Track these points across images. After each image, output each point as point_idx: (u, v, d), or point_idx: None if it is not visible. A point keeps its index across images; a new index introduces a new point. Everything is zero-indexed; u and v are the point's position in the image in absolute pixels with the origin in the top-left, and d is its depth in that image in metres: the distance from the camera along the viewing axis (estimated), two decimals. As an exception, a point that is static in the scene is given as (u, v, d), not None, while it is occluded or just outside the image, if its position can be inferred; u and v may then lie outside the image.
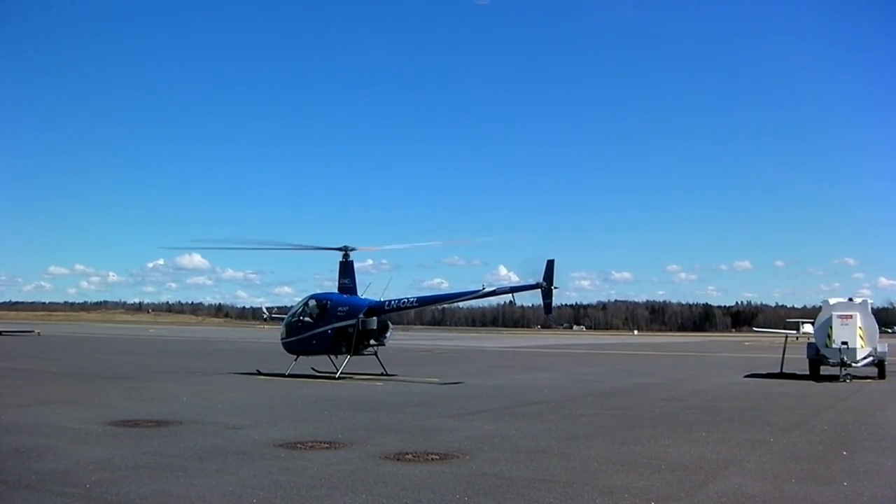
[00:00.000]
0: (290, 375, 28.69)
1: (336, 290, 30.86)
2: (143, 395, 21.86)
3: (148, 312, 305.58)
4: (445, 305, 33.89)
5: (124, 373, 30.71)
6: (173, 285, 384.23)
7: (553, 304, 26.94)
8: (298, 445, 13.35)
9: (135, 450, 12.68)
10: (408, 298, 29.48)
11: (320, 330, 29.51)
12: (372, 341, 29.64)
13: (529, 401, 22.18)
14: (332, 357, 29.89)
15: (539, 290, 26.74)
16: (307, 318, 30.22)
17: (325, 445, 13.41)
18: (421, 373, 32.92)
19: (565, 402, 22.03)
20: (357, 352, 29.28)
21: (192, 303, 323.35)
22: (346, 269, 30.83)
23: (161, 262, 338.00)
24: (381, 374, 29.78)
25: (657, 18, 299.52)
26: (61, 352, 48.81)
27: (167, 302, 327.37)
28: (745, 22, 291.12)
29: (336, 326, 29.20)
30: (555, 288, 26.59)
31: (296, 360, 29.76)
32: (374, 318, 29.11)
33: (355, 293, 30.38)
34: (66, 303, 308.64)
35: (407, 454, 12.60)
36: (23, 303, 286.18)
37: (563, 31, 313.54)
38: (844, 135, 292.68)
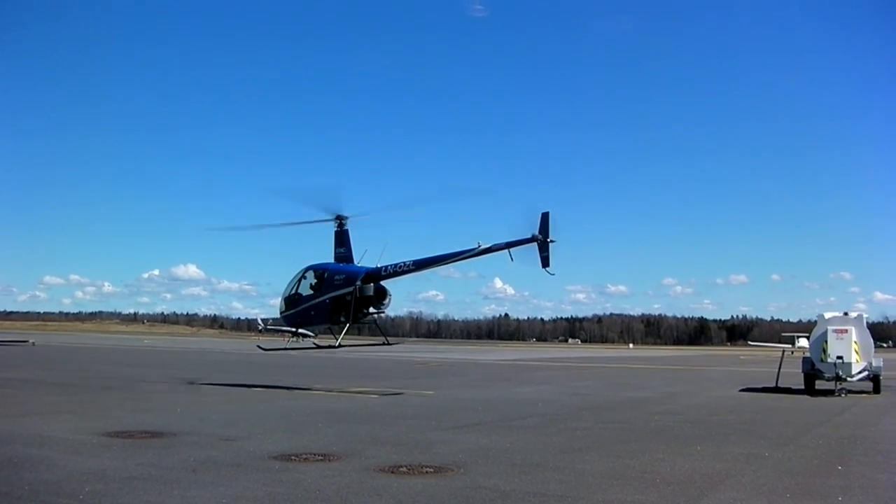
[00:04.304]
0: (289, 349, 28.85)
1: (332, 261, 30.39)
2: (138, 406, 21.78)
3: (143, 323, 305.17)
4: (443, 265, 33.05)
5: (118, 383, 30.62)
6: (168, 296, 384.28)
7: (549, 256, 25.67)
8: (293, 458, 13.32)
9: (129, 461, 12.65)
10: (405, 262, 28.36)
11: (318, 300, 29.13)
12: (371, 309, 29.00)
13: (524, 414, 22.17)
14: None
15: (535, 243, 25.80)
16: (304, 290, 29.85)
17: (320, 458, 13.38)
18: (416, 385, 32.86)
19: (560, 415, 22.01)
20: (356, 320, 28.82)
21: (188, 314, 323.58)
22: (342, 238, 30.31)
23: (156, 272, 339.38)
24: (383, 344, 29.75)
25: (655, 33, 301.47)
26: (56, 362, 48.61)
27: (162, 312, 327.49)
28: (744, 37, 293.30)
29: (333, 295, 28.72)
30: (551, 241, 25.65)
31: (295, 332, 29.63)
32: (372, 284, 28.46)
33: (352, 262, 29.90)
34: (60, 313, 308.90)
35: (401, 467, 12.58)
36: (17, 312, 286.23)
37: (560, 44, 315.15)
38: (841, 149, 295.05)
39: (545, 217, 25.83)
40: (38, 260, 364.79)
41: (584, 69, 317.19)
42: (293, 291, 30.30)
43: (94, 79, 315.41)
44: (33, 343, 79.31)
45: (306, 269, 30.37)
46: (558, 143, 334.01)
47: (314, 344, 30.19)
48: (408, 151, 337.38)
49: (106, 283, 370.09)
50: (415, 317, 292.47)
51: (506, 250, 26.53)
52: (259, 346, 31.11)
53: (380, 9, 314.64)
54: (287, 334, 30.73)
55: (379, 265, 28.76)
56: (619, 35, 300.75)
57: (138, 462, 12.56)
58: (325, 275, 29.44)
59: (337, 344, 28.53)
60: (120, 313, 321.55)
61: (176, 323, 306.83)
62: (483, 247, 26.95)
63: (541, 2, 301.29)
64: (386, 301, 29.14)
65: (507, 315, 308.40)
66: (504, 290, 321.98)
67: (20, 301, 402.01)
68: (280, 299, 31.07)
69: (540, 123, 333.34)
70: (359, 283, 28.33)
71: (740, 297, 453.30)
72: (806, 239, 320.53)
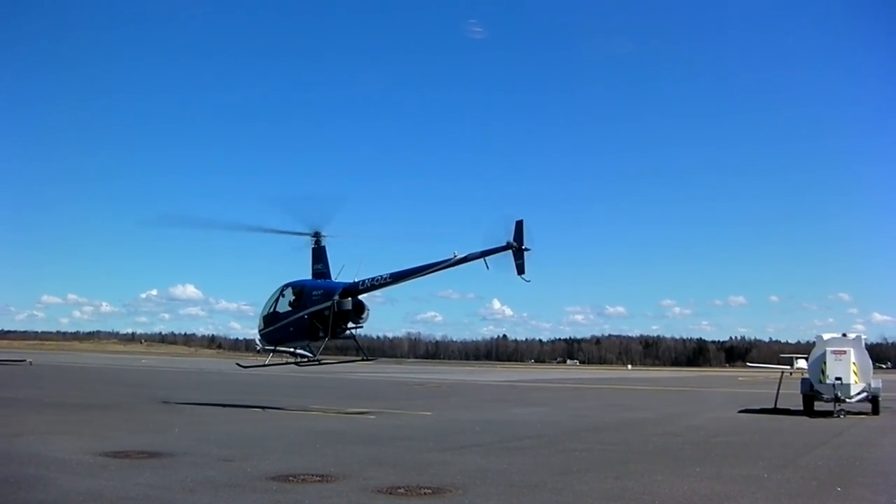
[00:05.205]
0: (269, 365, 29.07)
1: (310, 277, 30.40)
2: (135, 426, 21.71)
3: (140, 343, 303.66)
4: (420, 277, 32.47)
5: (116, 403, 30.53)
6: (166, 316, 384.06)
7: (525, 264, 25.70)
8: (290, 478, 13.27)
9: (126, 481, 12.60)
10: (382, 275, 28.30)
11: (297, 316, 29.06)
12: (350, 324, 28.93)
13: (523, 435, 22.10)
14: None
15: (510, 251, 25.80)
16: (283, 307, 29.81)
17: (318, 479, 13.33)
18: (414, 406, 32.79)
19: (559, 436, 21.96)
20: (335, 335, 28.76)
21: (185, 334, 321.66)
22: (319, 255, 30.35)
23: (154, 292, 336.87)
24: (362, 360, 30.24)
25: (654, 54, 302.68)
26: (53, 381, 48.47)
27: (160, 332, 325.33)
28: (740, 58, 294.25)
29: (312, 311, 28.66)
30: (526, 249, 25.65)
31: (274, 349, 29.69)
32: (349, 298, 28.33)
33: (329, 278, 29.86)
34: (58, 332, 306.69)
35: (399, 488, 12.54)
36: (15, 332, 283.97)
37: (559, 65, 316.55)
38: (839, 171, 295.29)
39: (519, 225, 25.90)
40: (36, 279, 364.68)
41: (582, 90, 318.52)
42: (272, 309, 30.28)
43: (95, 99, 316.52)
44: (30, 362, 79.08)
45: (284, 286, 30.34)
46: (556, 164, 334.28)
47: (294, 362, 30.23)
48: (406, 170, 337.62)
49: (104, 303, 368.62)
50: (413, 338, 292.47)
51: (481, 259, 26.52)
52: (238, 364, 31.28)
53: (379, 29, 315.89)
54: (286, 354, 30.70)
55: (356, 279, 28.72)
56: (619, 56, 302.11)
57: (135, 482, 12.52)
58: (303, 291, 29.42)
59: (315, 357, 28.54)
60: (118, 333, 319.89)
61: (174, 343, 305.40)
62: (459, 256, 26.93)
63: (539, 23, 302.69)
64: (364, 315, 28.98)
65: (505, 336, 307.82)
66: (502, 311, 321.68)
67: (18, 320, 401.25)
68: (259, 317, 31.05)
69: (538, 144, 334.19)
70: (336, 297, 28.25)
71: (739, 319, 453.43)
72: (804, 260, 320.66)
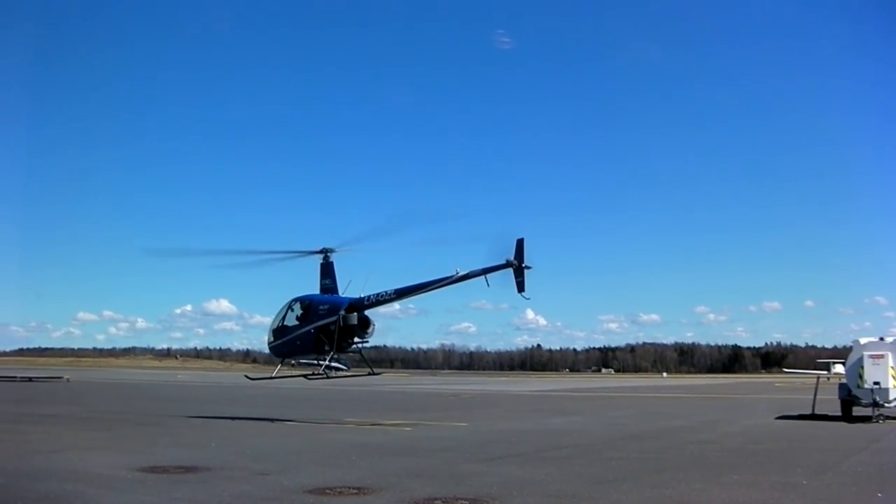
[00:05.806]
0: (277, 377, 29.95)
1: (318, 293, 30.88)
2: (172, 441, 21.90)
3: (176, 358, 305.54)
4: (423, 293, 32.86)
5: (153, 418, 30.79)
6: (201, 331, 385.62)
7: (525, 281, 26.13)
8: (327, 491, 13.31)
9: (164, 496, 12.71)
10: (386, 291, 28.89)
11: (303, 330, 29.56)
12: (356, 339, 29.41)
13: (559, 445, 22.03)
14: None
15: (510, 268, 26.15)
16: (291, 321, 30.32)
17: (354, 491, 13.37)
18: (449, 417, 32.78)
19: (595, 445, 21.86)
20: (341, 349, 29.19)
21: (220, 348, 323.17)
22: (328, 271, 30.78)
23: (189, 308, 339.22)
24: (369, 374, 30.58)
25: (681, 61, 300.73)
26: (90, 398, 48.97)
27: (195, 348, 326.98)
28: (771, 61, 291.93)
29: (318, 325, 29.14)
30: (526, 267, 25.96)
31: (282, 363, 30.13)
32: (355, 313, 28.80)
33: (337, 293, 30.29)
34: (94, 349, 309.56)
35: (436, 499, 12.54)
36: (52, 349, 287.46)
37: (587, 74, 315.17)
38: (872, 174, 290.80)
39: (520, 243, 26.31)
40: (72, 296, 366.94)
41: (611, 98, 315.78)
42: (280, 323, 30.77)
43: (128, 114, 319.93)
44: (68, 379, 79.90)
45: (292, 301, 30.82)
46: (588, 172, 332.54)
47: (303, 374, 30.65)
48: (430, 184, 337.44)
49: (139, 319, 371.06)
50: (447, 349, 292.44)
51: (482, 276, 26.88)
52: (246, 376, 31.82)
53: (403, 41, 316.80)
54: (315, 367, 31.15)
55: (362, 295, 29.14)
56: (646, 64, 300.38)
57: (174, 497, 12.63)
58: (311, 305, 29.91)
59: (322, 369, 28.90)
60: (153, 349, 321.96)
61: (209, 358, 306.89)
62: (460, 273, 27.29)
63: (566, 33, 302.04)
64: (370, 330, 29.51)
65: (539, 346, 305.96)
66: (536, 320, 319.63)
67: (54, 337, 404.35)
68: (268, 331, 31.49)
69: (569, 151, 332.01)
70: (342, 312, 28.67)
71: (774, 324, 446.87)
72: (839, 264, 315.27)
